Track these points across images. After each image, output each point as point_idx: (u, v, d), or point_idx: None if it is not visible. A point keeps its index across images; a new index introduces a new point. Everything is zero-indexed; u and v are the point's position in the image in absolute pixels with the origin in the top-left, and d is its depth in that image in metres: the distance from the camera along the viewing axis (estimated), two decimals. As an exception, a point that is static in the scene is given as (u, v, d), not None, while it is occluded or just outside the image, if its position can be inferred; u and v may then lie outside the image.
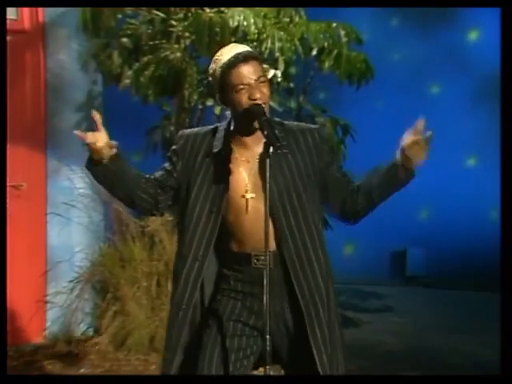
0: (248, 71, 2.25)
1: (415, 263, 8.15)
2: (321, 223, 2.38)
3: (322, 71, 4.97)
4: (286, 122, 2.41)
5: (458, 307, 6.72)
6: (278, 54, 4.64)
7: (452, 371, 4.50)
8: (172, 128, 5.28)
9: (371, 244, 7.84)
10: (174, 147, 2.49)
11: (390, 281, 8.00)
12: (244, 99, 2.25)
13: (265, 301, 2.17)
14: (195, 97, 5.15)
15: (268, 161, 2.17)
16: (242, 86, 2.24)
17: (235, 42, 4.66)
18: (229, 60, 2.26)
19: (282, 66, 4.66)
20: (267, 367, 2.17)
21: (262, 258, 2.24)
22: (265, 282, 2.17)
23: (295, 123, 2.47)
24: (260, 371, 2.30)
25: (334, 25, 4.88)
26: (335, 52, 4.86)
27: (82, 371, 4.41)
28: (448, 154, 8.02)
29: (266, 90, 2.28)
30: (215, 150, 2.34)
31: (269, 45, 4.60)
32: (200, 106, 5.27)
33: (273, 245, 2.29)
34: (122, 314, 4.76)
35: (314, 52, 4.86)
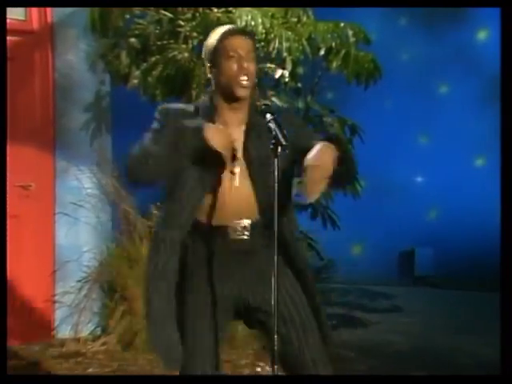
0: (241, 43, 2.35)
1: (423, 263, 8.13)
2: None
3: (330, 71, 4.96)
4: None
5: (466, 307, 6.70)
6: (285, 54, 4.63)
7: (459, 371, 4.49)
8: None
9: (379, 244, 7.83)
10: (158, 121, 2.49)
11: (398, 281, 7.99)
12: (233, 68, 2.32)
13: (273, 301, 2.16)
14: (203, 96, 5.15)
15: (276, 161, 2.17)
16: (232, 54, 2.33)
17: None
18: (225, 31, 2.38)
19: (289, 65, 4.65)
20: (275, 367, 2.17)
21: (239, 229, 2.35)
22: (273, 281, 2.16)
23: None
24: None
25: (342, 25, 4.86)
26: (343, 52, 4.85)
27: (90, 371, 4.41)
28: (456, 154, 8.00)
29: (252, 67, 2.35)
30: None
31: (276, 45, 4.60)
32: (208, 106, 5.27)
33: (254, 215, 2.36)
34: (129, 314, 4.77)
35: (322, 52, 4.84)
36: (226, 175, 2.35)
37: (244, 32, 2.44)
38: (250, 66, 2.34)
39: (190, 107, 2.49)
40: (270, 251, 2.17)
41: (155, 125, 2.47)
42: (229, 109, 2.40)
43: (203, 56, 2.47)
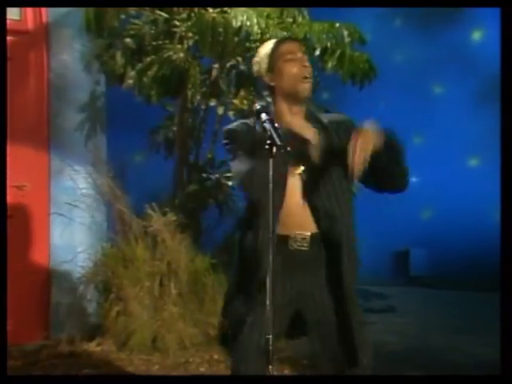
0: (296, 46, 2.47)
1: (418, 263, 8.15)
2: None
3: (325, 71, 4.97)
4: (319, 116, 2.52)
5: (461, 307, 6.71)
6: (280, 55, 4.64)
7: (454, 371, 4.50)
8: (175, 128, 5.28)
9: (374, 244, 7.82)
10: (227, 142, 2.53)
11: (392, 281, 8.00)
12: (294, 69, 2.42)
13: (268, 301, 2.17)
14: (198, 97, 5.16)
15: (271, 161, 2.18)
16: (290, 56, 2.43)
17: (238, 42, 4.67)
18: (277, 40, 2.52)
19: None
20: (270, 367, 2.17)
21: (299, 240, 2.39)
22: (268, 277, 2.18)
23: (326, 115, 2.56)
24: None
25: (337, 25, 4.88)
26: (338, 52, 4.86)
27: (85, 371, 4.40)
28: (451, 154, 8.02)
29: (310, 66, 2.46)
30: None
31: (272, 45, 4.60)
32: (203, 107, 5.27)
33: (312, 227, 2.40)
34: (124, 314, 4.76)
35: (317, 52, 4.86)
36: (291, 183, 2.39)
37: (295, 38, 2.65)
38: (309, 67, 2.45)
39: (250, 121, 2.53)
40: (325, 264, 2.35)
41: (227, 147, 2.53)
42: (290, 114, 2.46)
43: (257, 69, 2.52)
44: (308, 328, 2.46)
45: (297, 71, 2.43)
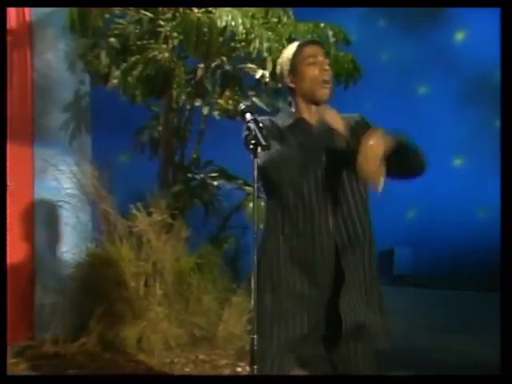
0: (317, 50, 2.51)
1: (402, 262, 8.19)
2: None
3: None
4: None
5: (445, 306, 6.75)
6: (266, 55, 4.65)
7: (439, 370, 4.52)
8: (160, 128, 5.27)
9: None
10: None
11: (377, 280, 8.03)
12: (315, 72, 2.46)
13: (252, 301, 2.17)
14: (183, 97, 5.15)
15: (256, 160, 2.19)
16: (312, 60, 2.47)
17: (223, 42, 4.67)
18: (299, 43, 2.54)
19: (269, 66, 4.66)
20: (254, 367, 2.17)
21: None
22: (252, 276, 2.18)
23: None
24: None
25: (322, 25, 4.90)
26: (323, 52, 4.87)
27: (70, 372, 4.39)
28: (435, 154, 8.06)
29: (330, 71, 2.50)
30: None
31: (257, 45, 4.61)
32: (188, 107, 5.26)
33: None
34: (109, 315, 4.75)
35: (302, 52, 4.86)
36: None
37: (316, 41, 2.58)
38: (329, 70, 2.49)
39: (268, 120, 2.54)
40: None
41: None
42: (308, 113, 2.50)
43: (279, 71, 2.56)
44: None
45: (317, 75, 2.47)
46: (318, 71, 2.47)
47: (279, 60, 2.58)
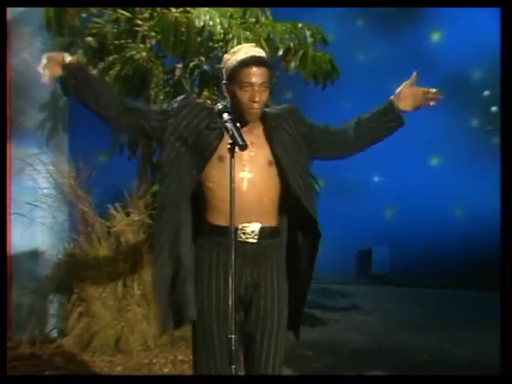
0: (256, 74, 2.43)
1: (380, 262, 8.23)
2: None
3: (288, 71, 4.99)
4: (267, 110, 2.56)
5: (423, 305, 6.80)
6: (244, 54, 4.65)
7: (417, 369, 4.56)
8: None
9: (337, 243, 7.89)
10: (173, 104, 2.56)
11: (355, 279, 8.07)
12: (245, 97, 2.43)
13: (230, 301, 2.18)
14: (161, 97, 5.13)
15: (233, 161, 2.20)
16: (247, 85, 2.42)
17: (201, 41, 4.66)
18: (244, 58, 2.45)
19: (248, 66, 4.66)
20: (233, 367, 2.18)
21: (247, 231, 2.43)
22: (230, 273, 2.21)
23: (275, 108, 2.65)
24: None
25: (300, 25, 4.91)
26: (301, 52, 4.89)
27: (46, 373, 4.36)
28: (412, 154, 8.13)
29: (265, 95, 2.47)
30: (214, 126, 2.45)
31: (235, 45, 4.59)
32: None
33: (260, 219, 2.45)
34: (87, 315, 4.72)
35: (280, 52, 4.88)
36: (237, 177, 2.37)
37: (261, 61, 2.46)
38: (263, 96, 2.45)
39: (207, 106, 2.63)
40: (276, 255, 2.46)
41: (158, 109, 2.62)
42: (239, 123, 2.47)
43: (222, 68, 2.55)
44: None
45: (247, 101, 2.43)
46: (248, 96, 2.42)
47: (225, 57, 2.54)
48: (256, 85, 2.42)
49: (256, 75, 2.42)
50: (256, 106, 2.43)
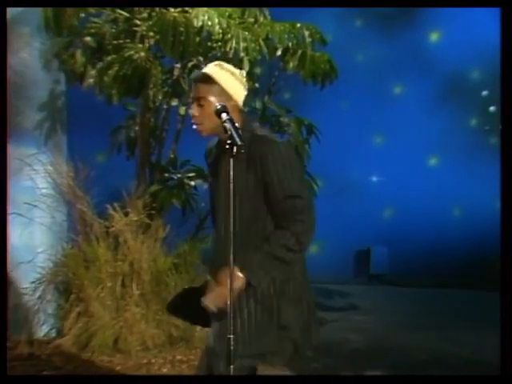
0: (194, 90, 2.51)
1: (379, 261, 8.23)
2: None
3: (287, 71, 5.00)
4: (260, 135, 2.46)
5: (422, 305, 6.81)
6: (242, 54, 4.65)
7: (416, 369, 4.56)
8: (137, 128, 5.25)
9: (336, 243, 7.90)
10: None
11: (354, 279, 8.07)
12: (191, 111, 2.52)
13: (228, 301, 2.18)
14: (160, 97, 5.14)
15: (232, 161, 2.20)
16: (191, 100, 2.53)
17: (200, 41, 4.66)
18: (192, 76, 2.62)
19: (246, 66, 4.66)
20: (231, 367, 2.18)
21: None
22: (229, 276, 2.21)
23: (264, 132, 2.53)
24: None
25: (299, 25, 4.91)
26: (299, 52, 4.89)
27: (45, 373, 4.35)
28: (411, 154, 8.14)
29: (197, 111, 2.47)
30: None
31: (233, 45, 4.61)
32: (165, 106, 5.25)
33: None
34: (85, 315, 4.72)
35: (279, 52, 4.88)
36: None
37: (198, 79, 2.52)
38: (194, 110, 2.48)
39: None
40: None
41: None
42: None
43: None
44: None
45: (191, 113, 2.50)
46: (191, 110, 2.50)
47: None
48: (195, 99, 2.49)
49: (193, 91, 2.51)
50: (193, 120, 2.49)
